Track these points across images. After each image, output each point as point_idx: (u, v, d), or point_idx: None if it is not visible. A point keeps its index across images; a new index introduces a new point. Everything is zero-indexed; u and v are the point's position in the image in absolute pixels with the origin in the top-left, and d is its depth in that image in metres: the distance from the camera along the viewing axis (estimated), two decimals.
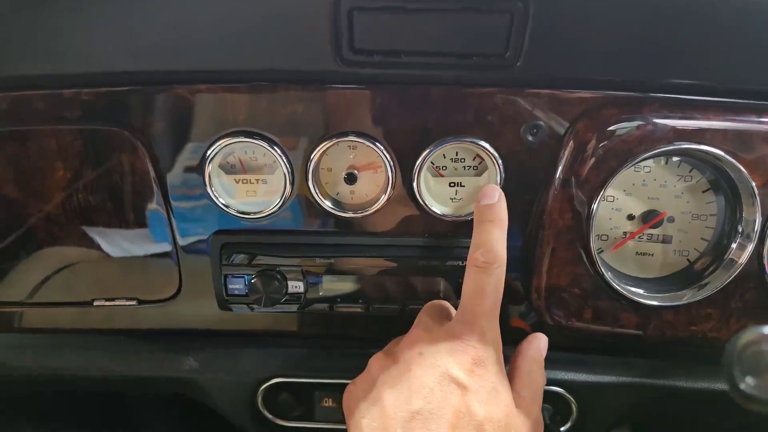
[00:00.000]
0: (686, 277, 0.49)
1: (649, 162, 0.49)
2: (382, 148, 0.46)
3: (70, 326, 0.56)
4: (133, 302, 0.55)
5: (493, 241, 0.41)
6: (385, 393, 0.37)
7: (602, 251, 0.51)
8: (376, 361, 0.42)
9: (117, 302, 0.55)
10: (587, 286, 0.48)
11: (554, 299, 0.49)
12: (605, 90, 0.44)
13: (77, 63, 0.44)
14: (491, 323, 0.40)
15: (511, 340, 0.55)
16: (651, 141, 0.44)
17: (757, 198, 0.44)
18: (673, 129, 0.44)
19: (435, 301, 0.47)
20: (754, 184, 0.44)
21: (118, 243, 0.53)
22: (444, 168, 0.49)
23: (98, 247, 0.52)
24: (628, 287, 0.48)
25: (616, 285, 0.47)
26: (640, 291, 0.48)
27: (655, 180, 0.49)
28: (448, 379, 0.36)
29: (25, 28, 0.42)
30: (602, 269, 0.47)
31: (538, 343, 0.45)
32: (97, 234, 0.52)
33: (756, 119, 0.44)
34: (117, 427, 0.73)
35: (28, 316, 0.56)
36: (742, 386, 0.19)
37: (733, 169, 0.45)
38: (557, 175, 0.46)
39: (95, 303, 0.55)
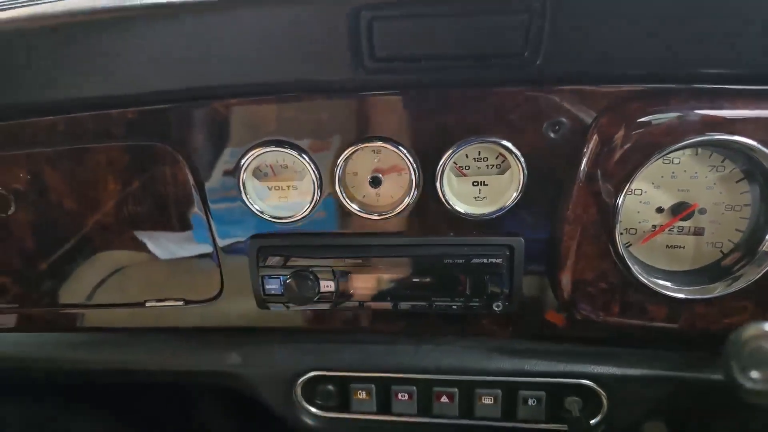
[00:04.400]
0: (719, 269, 0.48)
1: (679, 153, 0.48)
2: (405, 151, 0.48)
3: (124, 325, 0.61)
4: (181, 302, 0.59)
5: None
6: None
7: (630, 245, 0.51)
8: None
9: (166, 303, 0.60)
10: (614, 280, 0.48)
11: (581, 294, 0.49)
12: (630, 83, 0.44)
13: (122, 85, 0.48)
14: None
15: (545, 335, 0.55)
16: (679, 133, 0.43)
17: None
18: (702, 120, 0.43)
19: None
20: None
21: (164, 248, 0.57)
22: (467, 168, 0.50)
23: (147, 252, 0.57)
24: (657, 280, 0.47)
25: (644, 278, 0.46)
26: (669, 284, 0.47)
27: (685, 171, 0.48)
28: None
29: (76, 57, 0.46)
30: (629, 263, 0.46)
31: None
32: (146, 240, 0.56)
33: None
34: (174, 414, 0.79)
35: (88, 317, 0.61)
36: (741, 380, 0.20)
37: (766, 159, 0.43)
38: (581, 170, 0.46)
39: (147, 304, 0.60)
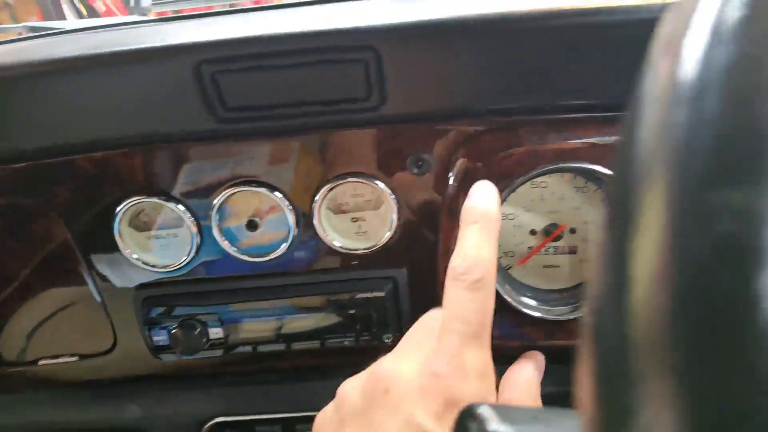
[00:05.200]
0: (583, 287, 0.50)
1: (545, 178, 0.49)
2: (279, 194, 0.48)
3: (18, 385, 0.59)
4: (75, 358, 0.57)
5: (473, 245, 0.35)
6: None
7: (510, 267, 0.52)
8: (345, 389, 0.36)
9: (60, 359, 0.58)
10: None
11: None
12: (481, 117, 0.45)
13: None
14: (476, 352, 0.32)
15: None
16: (531, 163, 0.45)
17: None
18: (551, 149, 0.45)
19: (432, 312, 0.39)
20: None
21: (54, 305, 0.55)
22: (346, 204, 0.51)
23: (37, 311, 0.55)
24: (526, 300, 0.49)
25: (512, 301, 0.48)
26: (534, 303, 0.49)
27: (552, 194, 0.50)
28: (413, 427, 0.30)
29: None
30: (497, 287, 0.48)
31: (533, 367, 0.39)
32: (33, 298, 0.55)
33: None
34: None
35: None
36: None
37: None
38: (445, 204, 0.47)
39: (41, 362, 0.58)
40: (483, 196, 0.38)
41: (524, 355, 0.40)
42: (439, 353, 0.32)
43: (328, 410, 0.36)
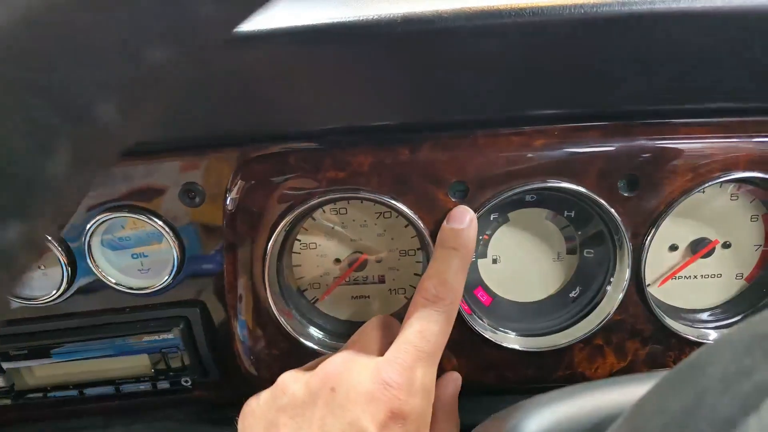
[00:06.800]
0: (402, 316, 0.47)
1: (344, 204, 0.46)
2: None
3: None
4: None
5: (449, 271, 0.36)
6: (282, 423, 0.32)
7: (317, 300, 0.49)
8: (287, 379, 0.35)
9: None
10: (284, 345, 0.45)
11: (259, 361, 0.46)
12: (250, 144, 0.41)
13: None
14: (427, 370, 0.33)
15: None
16: (308, 192, 0.41)
17: (426, 235, 0.42)
18: (327, 177, 0.41)
19: (382, 317, 0.39)
20: (422, 225, 0.42)
21: None
22: (127, 239, 0.46)
23: None
24: (312, 333, 0.46)
25: (306, 342, 0.45)
26: (321, 336, 0.46)
27: (354, 221, 0.46)
28: (355, 430, 0.30)
29: None
30: (287, 328, 0.44)
31: (454, 386, 0.40)
32: None
33: (408, 154, 0.41)
34: None
35: None
36: None
37: (401, 211, 0.42)
38: (226, 239, 0.43)
39: None
40: (465, 222, 0.38)
41: (447, 374, 0.42)
42: (392, 363, 0.33)
43: (263, 397, 0.35)
